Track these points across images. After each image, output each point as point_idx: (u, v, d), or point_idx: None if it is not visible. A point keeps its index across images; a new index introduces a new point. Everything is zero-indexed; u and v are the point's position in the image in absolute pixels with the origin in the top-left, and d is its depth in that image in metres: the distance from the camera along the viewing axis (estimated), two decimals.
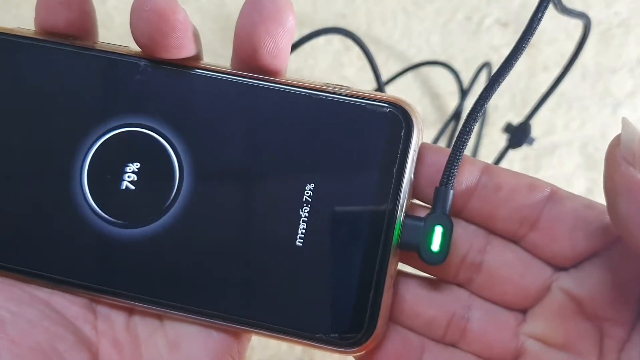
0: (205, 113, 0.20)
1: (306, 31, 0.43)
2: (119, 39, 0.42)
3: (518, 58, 0.21)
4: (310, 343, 0.20)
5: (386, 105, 0.20)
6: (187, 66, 0.20)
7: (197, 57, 0.21)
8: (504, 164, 0.44)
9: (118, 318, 0.21)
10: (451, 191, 0.20)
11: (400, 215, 0.20)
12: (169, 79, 0.20)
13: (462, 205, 0.21)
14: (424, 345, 0.21)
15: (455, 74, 0.43)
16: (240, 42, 0.20)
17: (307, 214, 0.20)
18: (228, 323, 0.20)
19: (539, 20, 0.21)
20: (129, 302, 0.21)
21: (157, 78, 0.20)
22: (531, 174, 0.44)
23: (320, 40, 0.43)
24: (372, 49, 0.40)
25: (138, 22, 0.19)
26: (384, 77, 0.41)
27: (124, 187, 0.20)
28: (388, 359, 0.20)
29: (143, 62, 0.20)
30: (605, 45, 0.45)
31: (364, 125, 0.20)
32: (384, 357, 0.20)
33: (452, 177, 0.20)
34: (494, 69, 0.43)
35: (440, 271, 0.21)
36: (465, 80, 0.43)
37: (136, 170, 0.21)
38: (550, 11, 0.45)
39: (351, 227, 0.20)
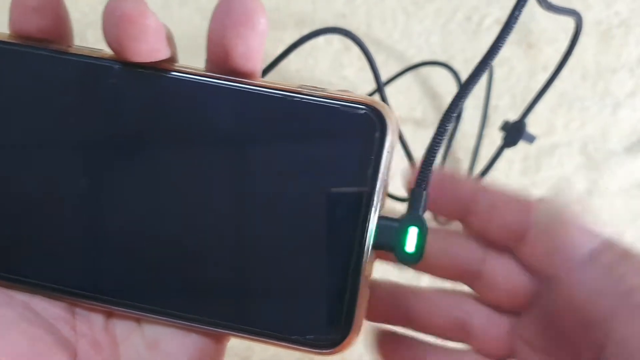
0: (179, 116, 0.20)
1: (306, 31, 0.43)
2: None
3: (494, 57, 0.21)
4: (287, 345, 0.20)
5: (361, 107, 0.20)
6: (161, 69, 0.20)
7: (172, 59, 0.21)
8: (502, 164, 0.44)
9: (97, 319, 0.21)
10: (425, 192, 0.20)
11: (375, 216, 0.20)
12: (143, 83, 0.20)
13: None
14: (428, 346, 0.22)
15: (455, 74, 0.43)
16: (212, 46, 0.20)
17: (281, 216, 0.20)
18: (202, 326, 0.20)
19: (516, 18, 0.21)
20: (103, 305, 0.21)
21: (130, 82, 0.20)
22: (531, 174, 0.44)
23: (320, 40, 0.43)
24: (372, 49, 0.40)
25: (109, 28, 0.19)
26: (384, 77, 0.41)
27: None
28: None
29: (117, 66, 0.20)
30: (605, 45, 0.45)
31: (338, 127, 0.20)
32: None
33: (426, 178, 0.20)
34: (495, 69, 0.43)
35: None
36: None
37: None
38: (550, 13, 0.45)
39: (326, 228, 0.20)
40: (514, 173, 0.44)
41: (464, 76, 0.43)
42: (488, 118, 0.44)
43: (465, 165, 0.44)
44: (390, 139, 0.20)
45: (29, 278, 0.21)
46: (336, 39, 0.43)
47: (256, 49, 0.19)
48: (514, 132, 0.37)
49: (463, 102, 0.21)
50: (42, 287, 0.21)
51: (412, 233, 0.20)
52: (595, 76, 0.45)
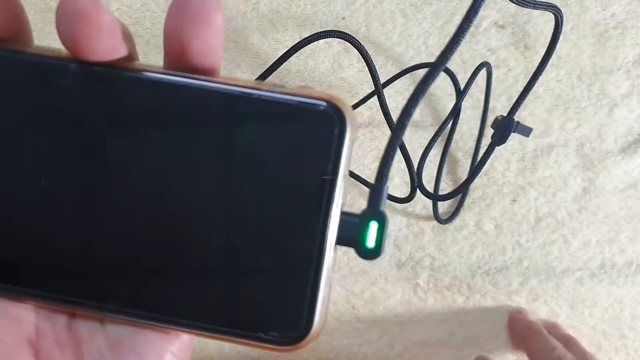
0: (138, 114, 0.20)
1: (306, 33, 0.44)
2: None
3: (450, 57, 0.21)
4: (251, 342, 0.20)
5: (319, 102, 0.20)
6: (118, 67, 0.20)
7: (130, 57, 0.20)
8: (499, 164, 0.44)
9: (60, 319, 0.21)
10: (385, 187, 0.21)
11: (336, 211, 0.20)
12: (100, 82, 0.20)
13: None
14: None
15: (452, 76, 0.44)
16: (169, 42, 0.19)
17: (242, 212, 0.20)
18: (162, 324, 0.20)
19: (472, 19, 0.22)
20: (65, 306, 0.21)
21: (87, 81, 0.20)
22: (528, 174, 0.44)
23: (320, 42, 0.44)
24: (371, 51, 0.40)
25: (63, 26, 0.18)
26: (383, 79, 0.42)
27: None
28: None
29: (73, 65, 0.20)
30: (601, 46, 0.45)
31: (297, 123, 0.20)
32: None
33: (385, 173, 0.20)
34: (493, 70, 0.44)
35: None
36: (462, 82, 0.44)
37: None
38: (546, 15, 0.45)
39: (287, 223, 0.20)
40: (511, 173, 0.45)
41: (461, 77, 0.44)
42: (486, 120, 0.44)
43: (464, 165, 0.45)
44: (349, 134, 0.20)
45: None
46: (336, 41, 0.44)
47: (213, 45, 0.19)
48: (502, 130, 0.36)
49: (419, 100, 0.21)
50: (2, 289, 0.21)
51: (373, 228, 0.20)
52: (591, 77, 0.45)
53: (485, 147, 0.37)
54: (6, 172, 0.20)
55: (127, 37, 0.20)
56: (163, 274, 0.21)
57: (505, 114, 0.37)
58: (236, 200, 0.20)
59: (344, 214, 0.20)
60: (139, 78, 0.20)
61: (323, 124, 0.20)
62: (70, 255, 0.21)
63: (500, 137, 0.36)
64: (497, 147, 0.37)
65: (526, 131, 0.38)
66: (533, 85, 0.34)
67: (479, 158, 0.44)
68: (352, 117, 0.20)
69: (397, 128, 0.21)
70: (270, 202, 0.20)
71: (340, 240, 0.20)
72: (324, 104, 0.20)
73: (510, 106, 0.37)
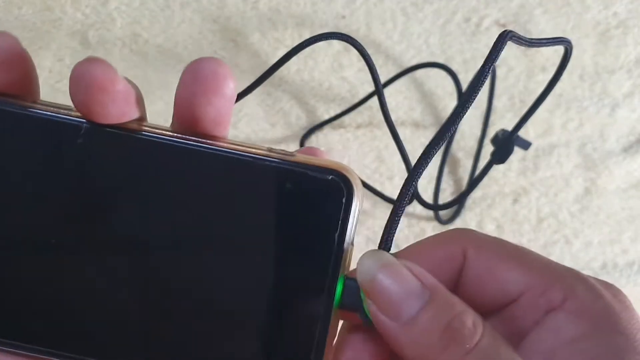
0: (147, 176, 0.20)
1: (306, 32, 0.44)
2: (120, 40, 0.42)
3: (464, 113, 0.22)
4: None
5: (328, 172, 0.20)
6: (129, 129, 0.20)
7: (141, 118, 0.20)
8: (501, 165, 0.44)
9: None
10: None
11: (341, 278, 0.21)
12: (110, 142, 0.20)
13: None
14: None
15: (453, 75, 0.43)
16: (181, 111, 0.20)
17: (250, 278, 0.21)
18: None
19: (479, 88, 0.22)
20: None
21: (98, 141, 0.20)
22: (529, 174, 0.44)
23: (320, 41, 0.44)
24: (371, 50, 0.40)
25: (77, 93, 0.18)
26: (383, 78, 0.42)
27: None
28: None
29: (84, 125, 0.20)
30: (603, 46, 0.45)
31: (306, 192, 0.20)
32: None
33: (390, 240, 0.21)
34: (496, 70, 0.44)
35: None
36: (463, 81, 0.44)
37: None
38: (547, 14, 0.45)
39: (293, 289, 0.21)
40: (512, 173, 0.44)
41: (462, 77, 0.44)
42: (487, 119, 0.44)
43: (465, 165, 0.45)
44: (357, 203, 0.20)
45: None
46: (336, 41, 0.44)
47: (226, 114, 0.20)
48: (503, 150, 0.36)
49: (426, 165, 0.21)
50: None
51: None
52: (593, 77, 0.45)
53: (487, 146, 0.37)
54: (12, 229, 0.20)
55: (139, 100, 0.20)
56: (185, 341, 0.21)
57: (505, 115, 0.37)
58: (246, 267, 0.21)
59: (349, 280, 0.21)
60: (149, 141, 0.20)
61: (331, 193, 0.20)
62: (86, 318, 0.21)
63: (499, 158, 0.36)
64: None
65: (525, 145, 0.38)
66: (538, 106, 0.34)
67: (481, 159, 0.44)
68: (359, 186, 0.21)
69: (399, 199, 0.21)
70: (278, 268, 0.21)
71: (344, 306, 0.21)
72: (333, 173, 0.20)
73: (511, 106, 0.36)
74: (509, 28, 0.45)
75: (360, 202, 0.21)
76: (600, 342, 0.18)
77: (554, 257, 0.45)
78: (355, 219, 0.21)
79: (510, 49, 0.45)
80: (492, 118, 0.44)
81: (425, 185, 0.43)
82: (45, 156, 0.20)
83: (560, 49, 0.41)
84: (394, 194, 0.44)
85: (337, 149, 0.43)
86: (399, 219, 0.21)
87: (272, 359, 0.21)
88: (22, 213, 0.20)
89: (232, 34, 0.43)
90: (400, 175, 0.44)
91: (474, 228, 0.44)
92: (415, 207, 0.44)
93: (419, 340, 0.18)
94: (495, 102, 0.44)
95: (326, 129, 0.43)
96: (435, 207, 0.42)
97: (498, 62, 0.44)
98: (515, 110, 0.44)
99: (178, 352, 0.21)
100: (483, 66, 0.21)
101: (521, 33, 0.46)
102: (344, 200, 0.20)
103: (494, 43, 0.21)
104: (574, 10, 0.45)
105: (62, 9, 0.43)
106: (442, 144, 0.22)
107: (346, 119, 0.44)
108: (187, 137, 0.20)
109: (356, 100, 0.43)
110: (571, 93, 0.45)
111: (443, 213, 0.44)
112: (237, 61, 0.43)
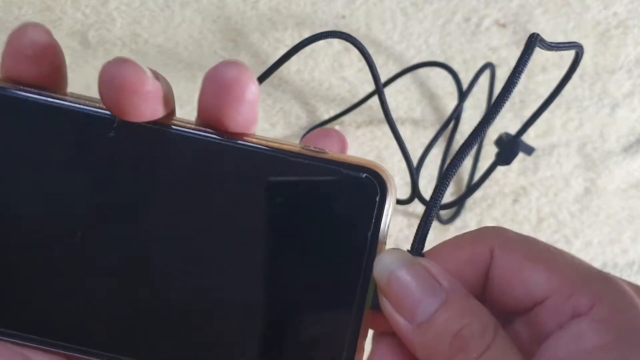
0: (178, 173, 0.20)
1: (306, 32, 0.43)
2: (120, 40, 0.42)
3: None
4: None
5: (361, 170, 0.20)
6: (161, 124, 0.20)
7: (171, 112, 0.20)
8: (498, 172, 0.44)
9: None
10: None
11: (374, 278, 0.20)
12: (141, 137, 0.20)
13: None
14: None
15: (454, 75, 0.43)
16: (207, 119, 0.20)
17: (281, 279, 0.20)
18: None
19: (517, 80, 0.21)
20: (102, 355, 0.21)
21: (129, 135, 0.20)
22: (529, 174, 0.44)
23: (320, 41, 0.44)
24: (372, 50, 0.40)
25: (107, 94, 0.18)
26: (384, 78, 0.42)
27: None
28: None
29: (116, 119, 0.20)
30: (603, 46, 0.45)
31: (339, 190, 0.20)
32: None
33: (422, 242, 0.21)
34: (496, 70, 0.44)
35: None
36: (464, 81, 0.44)
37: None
38: (547, 14, 0.45)
39: (326, 289, 0.21)
40: (512, 173, 0.44)
41: (462, 77, 0.44)
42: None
43: (466, 165, 0.45)
44: (390, 202, 0.20)
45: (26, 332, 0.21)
46: (336, 40, 0.44)
47: (253, 117, 0.20)
48: (508, 152, 0.35)
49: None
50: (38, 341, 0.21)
51: None
52: (593, 77, 0.45)
53: (486, 146, 0.36)
54: (39, 221, 0.20)
55: (169, 95, 0.20)
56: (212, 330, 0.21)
57: (505, 115, 0.37)
58: (275, 266, 0.20)
59: None
60: (182, 136, 0.20)
61: (365, 192, 0.20)
62: (114, 313, 0.21)
63: (505, 159, 0.36)
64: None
65: (528, 150, 0.37)
66: (545, 109, 0.34)
67: (481, 159, 0.44)
68: (392, 184, 0.20)
69: (432, 201, 0.21)
70: (310, 268, 0.20)
71: (376, 306, 0.20)
72: (366, 171, 0.20)
73: (511, 106, 0.36)
74: (509, 28, 0.45)
75: (393, 201, 0.20)
76: (621, 356, 0.17)
77: None
78: (388, 218, 0.20)
79: (510, 50, 0.45)
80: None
81: (425, 185, 0.43)
82: (78, 149, 0.20)
83: (558, 51, 0.41)
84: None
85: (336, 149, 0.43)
86: (432, 222, 0.21)
87: (308, 357, 0.21)
88: (51, 204, 0.20)
89: (232, 34, 0.43)
90: (400, 175, 0.44)
91: (474, 227, 0.44)
92: (415, 207, 0.44)
93: (429, 344, 0.18)
94: None
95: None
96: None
97: (498, 62, 0.44)
98: (515, 110, 0.44)
99: (216, 353, 0.21)
100: (515, 69, 0.21)
101: (521, 33, 0.46)
102: (377, 199, 0.20)
103: (525, 47, 0.21)
104: (574, 10, 0.45)
105: (62, 8, 0.43)
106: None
107: (346, 118, 0.44)
108: (217, 131, 0.20)
109: (356, 100, 0.43)
110: (571, 93, 0.45)
111: (444, 213, 0.44)
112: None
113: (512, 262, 0.20)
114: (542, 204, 0.44)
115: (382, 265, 0.20)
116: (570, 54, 0.39)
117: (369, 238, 0.20)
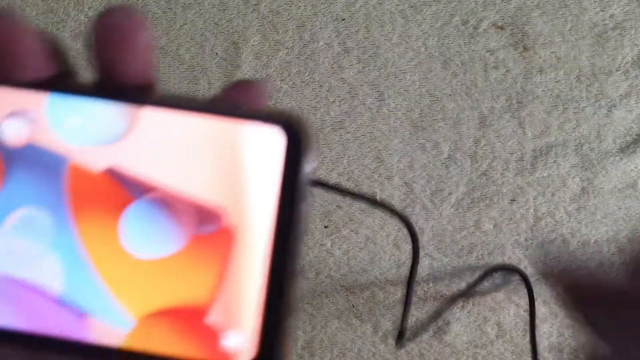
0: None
1: (306, 35, 0.44)
2: None
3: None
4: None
5: (275, 120, 0.19)
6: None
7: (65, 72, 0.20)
8: (498, 164, 0.45)
9: None
10: None
11: (298, 236, 0.19)
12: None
13: None
14: None
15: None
16: (100, 65, 0.19)
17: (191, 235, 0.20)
18: None
19: None
20: None
21: None
22: (526, 174, 0.45)
23: (320, 42, 0.44)
24: (370, 52, 0.40)
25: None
26: (383, 79, 0.42)
27: None
28: None
29: None
30: (600, 47, 0.46)
31: (252, 142, 0.19)
32: None
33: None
34: (490, 71, 0.44)
35: None
36: (462, 82, 0.44)
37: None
38: (545, 16, 0.45)
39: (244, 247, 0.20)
40: (510, 173, 0.45)
41: (460, 79, 0.44)
42: (485, 119, 0.45)
43: (463, 166, 0.45)
44: (308, 153, 0.19)
45: None
46: (335, 42, 0.44)
47: (145, 65, 0.19)
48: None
49: None
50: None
51: None
52: (590, 78, 0.46)
53: (483, 147, 0.36)
54: None
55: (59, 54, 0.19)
56: None
57: (503, 115, 0.37)
58: (190, 223, 0.20)
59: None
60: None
61: (279, 144, 0.19)
62: None
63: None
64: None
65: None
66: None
67: (477, 158, 0.44)
68: (307, 137, 0.19)
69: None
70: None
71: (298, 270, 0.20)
72: (279, 122, 0.19)
73: (508, 107, 0.36)
74: (507, 30, 0.45)
75: (311, 152, 0.19)
76: None
77: (551, 256, 0.45)
78: (307, 170, 0.19)
79: (508, 52, 0.45)
80: (491, 118, 0.45)
81: (424, 185, 0.43)
82: None
83: (558, 50, 0.42)
84: (393, 194, 0.44)
85: (337, 149, 0.44)
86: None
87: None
88: None
89: (233, 36, 0.44)
90: (399, 175, 0.44)
91: (471, 227, 0.45)
92: (414, 207, 0.45)
93: None
94: (493, 104, 0.45)
95: (326, 130, 0.44)
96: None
97: (496, 64, 0.45)
98: (512, 111, 0.45)
99: None
100: None
101: (519, 35, 0.46)
102: (289, 151, 0.19)
103: None
104: (571, 12, 0.45)
105: (66, 10, 0.43)
106: None
107: (346, 119, 0.44)
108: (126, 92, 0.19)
109: (356, 101, 0.43)
110: (568, 94, 0.45)
111: (444, 225, 0.45)
112: (238, 63, 0.44)
113: None
114: (539, 203, 0.45)
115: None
116: (568, 56, 0.39)
117: (280, 192, 0.19)
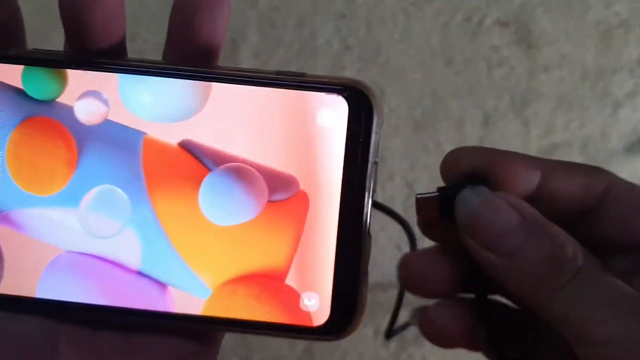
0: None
1: (306, 32, 0.43)
2: None
3: None
4: (295, 335, 0.20)
5: (342, 89, 0.19)
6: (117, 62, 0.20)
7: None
8: None
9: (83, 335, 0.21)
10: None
11: (369, 200, 0.20)
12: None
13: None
14: None
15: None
16: (177, 27, 0.20)
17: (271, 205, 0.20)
18: (193, 323, 0.20)
19: None
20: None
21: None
22: None
23: (320, 40, 0.43)
24: (372, 50, 0.40)
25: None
26: (384, 77, 0.42)
27: None
28: None
29: None
30: (605, 45, 0.45)
31: (321, 111, 0.20)
32: None
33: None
34: (494, 70, 0.43)
35: None
36: (464, 81, 0.43)
37: None
38: (550, 12, 0.45)
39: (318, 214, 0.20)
40: None
41: (463, 77, 0.43)
42: (489, 118, 0.44)
43: None
44: (377, 120, 0.20)
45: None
46: (336, 40, 0.44)
47: (223, 28, 0.20)
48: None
49: None
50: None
51: None
52: (595, 76, 0.45)
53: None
54: None
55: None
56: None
57: (507, 115, 0.36)
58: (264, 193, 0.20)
59: (375, 204, 0.20)
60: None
61: (349, 110, 0.19)
62: None
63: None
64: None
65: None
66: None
67: None
68: (377, 101, 0.20)
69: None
70: (302, 194, 0.20)
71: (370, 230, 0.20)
72: (348, 89, 0.19)
73: (512, 106, 0.36)
74: (511, 27, 0.45)
75: (380, 118, 0.20)
76: None
77: None
78: (376, 137, 0.20)
79: (512, 50, 0.44)
80: (495, 117, 0.44)
81: (424, 185, 0.43)
82: None
83: (562, 48, 0.41)
84: (393, 194, 0.44)
85: None
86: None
87: (310, 286, 0.20)
88: None
89: (231, 33, 0.43)
90: (400, 175, 0.44)
91: None
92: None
93: (523, 270, 0.18)
94: (497, 102, 0.44)
95: None
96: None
97: (500, 62, 0.44)
98: (516, 109, 0.44)
99: None
100: None
101: (523, 32, 0.46)
102: (362, 118, 0.19)
103: None
104: (575, 10, 0.45)
105: None
106: None
107: None
108: (195, 68, 0.20)
109: None
110: (573, 93, 0.45)
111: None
112: (236, 61, 0.43)
113: (629, 203, 0.20)
114: None
115: (463, 205, 0.20)
116: (573, 54, 0.39)
117: (359, 158, 0.20)
